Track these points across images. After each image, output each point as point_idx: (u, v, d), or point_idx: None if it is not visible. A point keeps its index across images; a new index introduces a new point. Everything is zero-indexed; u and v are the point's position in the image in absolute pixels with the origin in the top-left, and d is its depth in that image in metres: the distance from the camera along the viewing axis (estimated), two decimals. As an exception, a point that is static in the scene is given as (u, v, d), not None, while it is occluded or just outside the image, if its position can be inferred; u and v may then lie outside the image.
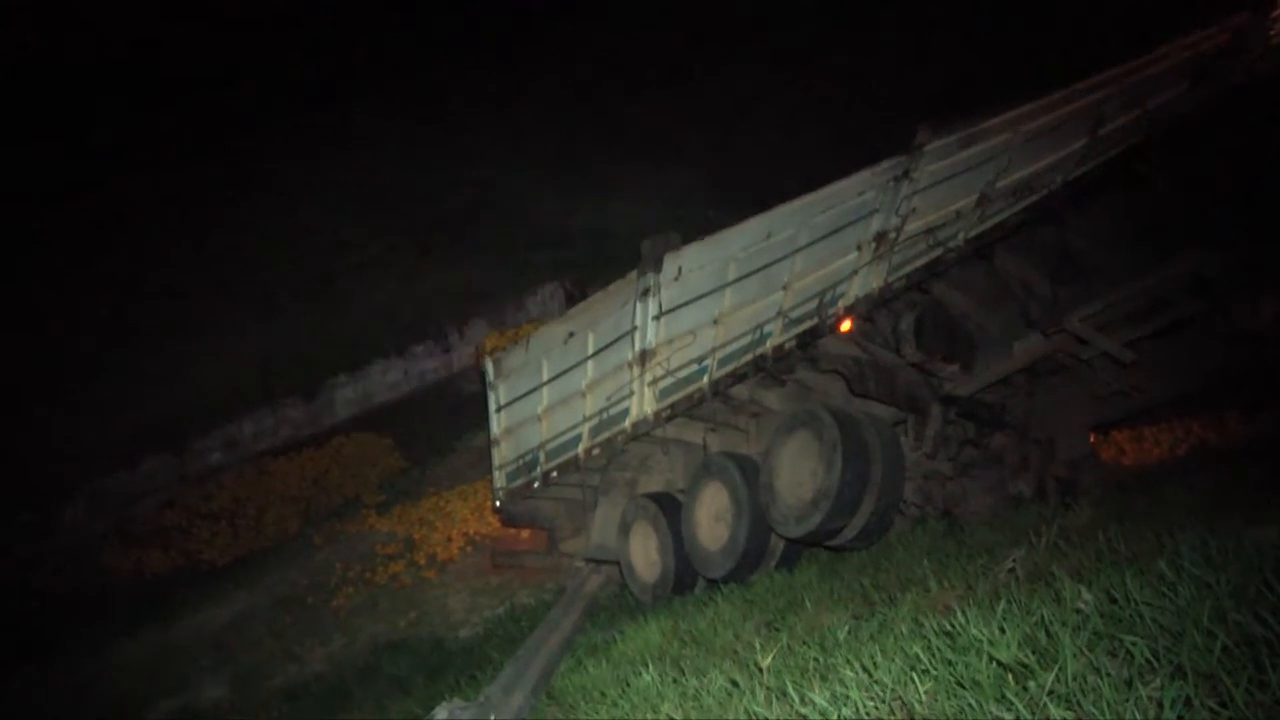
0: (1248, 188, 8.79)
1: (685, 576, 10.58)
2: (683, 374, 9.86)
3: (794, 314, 9.29)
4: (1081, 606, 4.08)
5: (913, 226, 8.86)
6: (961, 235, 9.04)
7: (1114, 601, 4.07)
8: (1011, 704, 3.42)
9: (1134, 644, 3.51)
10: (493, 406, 11.98)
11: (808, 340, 9.29)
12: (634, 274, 9.54)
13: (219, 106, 37.06)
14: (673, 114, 32.97)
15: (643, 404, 10.21)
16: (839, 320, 9.10)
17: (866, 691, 3.99)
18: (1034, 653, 3.70)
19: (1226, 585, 3.87)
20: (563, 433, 11.26)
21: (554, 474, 11.48)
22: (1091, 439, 11.08)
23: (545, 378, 11.15)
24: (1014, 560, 5.73)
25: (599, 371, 10.55)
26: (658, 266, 9.20)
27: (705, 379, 9.80)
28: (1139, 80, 8.56)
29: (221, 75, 37.88)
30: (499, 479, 12.22)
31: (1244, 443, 10.09)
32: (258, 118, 36.89)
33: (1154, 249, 8.79)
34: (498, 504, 12.53)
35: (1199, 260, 8.48)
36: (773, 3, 35.49)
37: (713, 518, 10.16)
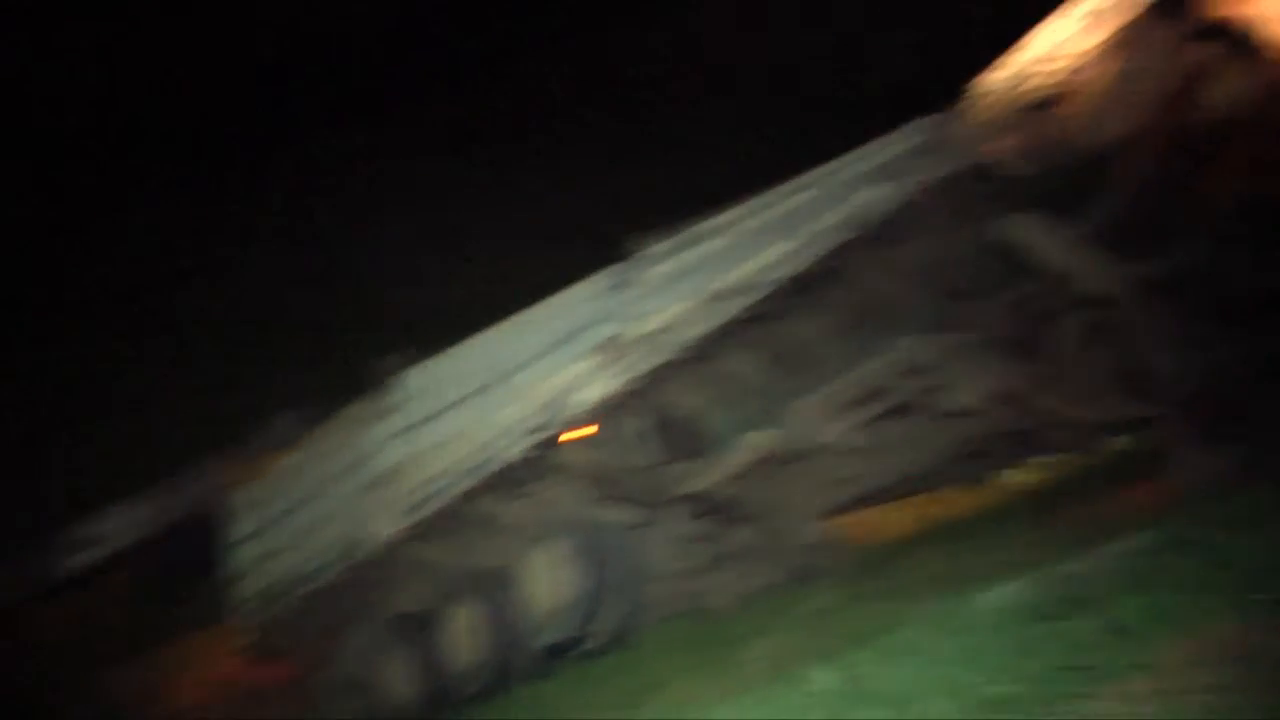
0: (955, 275, 9.39)
1: (442, 697, 10.37)
2: (425, 492, 9.77)
3: (532, 423, 9.37)
4: (823, 688, 4.22)
5: (641, 329, 9.10)
6: (691, 334, 9.32)
7: (853, 680, 4.22)
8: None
9: (871, 720, 3.65)
10: (233, 540, 11.56)
11: (546, 449, 9.36)
12: (370, 395, 9.47)
13: None
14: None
15: (385, 524, 10.05)
16: (576, 427, 9.22)
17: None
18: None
19: (956, 651, 4.07)
20: (308, 559, 10.89)
21: (302, 602, 11.10)
22: (828, 523, 11.46)
23: (287, 506, 10.86)
24: (760, 650, 5.88)
25: (341, 495, 10.35)
26: (393, 386, 9.15)
27: (447, 495, 9.72)
28: (842, 179, 9.11)
29: None
30: (245, 612, 11.74)
31: (969, 514, 10.60)
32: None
33: (871, 338, 9.29)
34: (248, 641, 12.04)
35: (912, 346, 9.04)
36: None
37: (464, 634, 10.03)
